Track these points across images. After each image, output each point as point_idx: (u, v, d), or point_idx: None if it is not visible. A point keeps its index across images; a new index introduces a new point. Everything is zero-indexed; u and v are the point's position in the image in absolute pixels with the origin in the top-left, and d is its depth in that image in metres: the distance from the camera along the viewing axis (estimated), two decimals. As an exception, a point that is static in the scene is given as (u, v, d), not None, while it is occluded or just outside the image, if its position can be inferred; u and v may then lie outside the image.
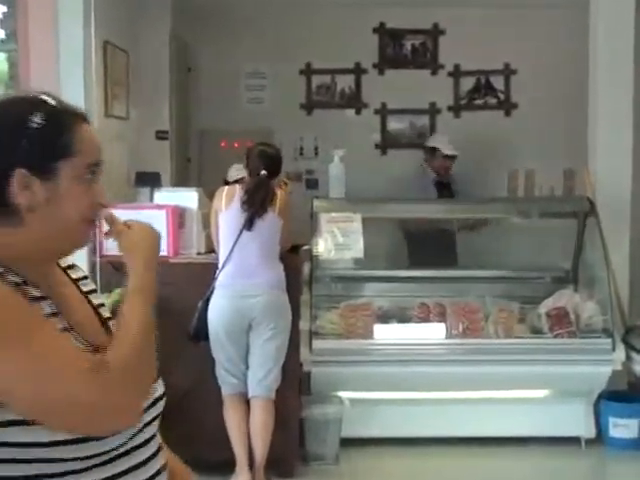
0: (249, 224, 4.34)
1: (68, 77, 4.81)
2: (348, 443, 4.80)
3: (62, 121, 1.48)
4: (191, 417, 4.28)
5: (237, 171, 5.11)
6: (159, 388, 1.58)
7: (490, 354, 4.89)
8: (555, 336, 4.95)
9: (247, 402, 4.34)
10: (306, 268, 4.95)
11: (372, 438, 4.89)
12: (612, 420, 4.99)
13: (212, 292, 4.31)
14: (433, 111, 7.11)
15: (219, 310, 4.27)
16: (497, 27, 6.84)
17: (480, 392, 5.03)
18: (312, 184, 6.84)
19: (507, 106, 7.12)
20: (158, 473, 1.53)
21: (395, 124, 7.12)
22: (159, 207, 4.59)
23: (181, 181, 6.42)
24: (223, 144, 6.84)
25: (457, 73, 7.10)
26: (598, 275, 5.24)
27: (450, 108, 7.13)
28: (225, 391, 4.31)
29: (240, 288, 4.29)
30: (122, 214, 1.64)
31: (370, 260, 5.19)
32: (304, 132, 6.97)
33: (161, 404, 1.57)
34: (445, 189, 6.18)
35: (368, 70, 7.07)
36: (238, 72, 6.88)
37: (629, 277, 5.51)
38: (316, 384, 4.81)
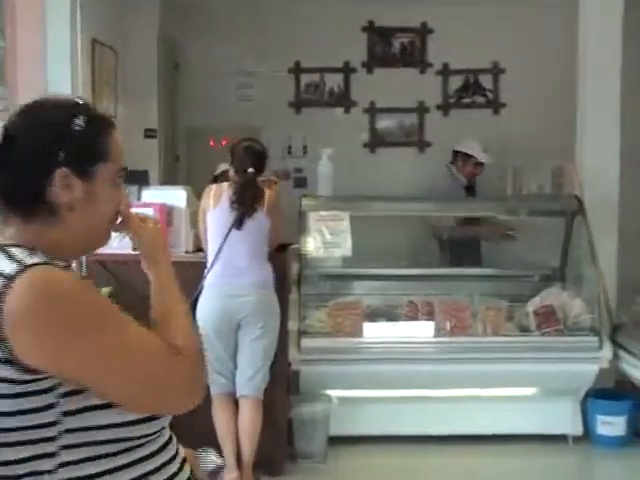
0: (239, 224, 4.34)
1: (55, 75, 4.79)
2: (337, 441, 4.81)
3: (100, 126, 1.57)
4: (179, 416, 4.27)
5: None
6: None
7: (478, 352, 4.91)
8: (543, 334, 4.97)
9: (235, 401, 4.35)
10: (295, 267, 4.95)
11: (361, 436, 4.90)
12: (599, 418, 5.02)
13: (200, 292, 4.30)
14: (422, 110, 7.11)
15: (208, 310, 4.26)
16: (486, 26, 6.85)
17: (468, 390, 5.04)
18: (301, 183, 6.84)
19: (495, 105, 7.13)
20: (177, 450, 1.64)
21: (384, 123, 7.12)
22: (147, 205, 4.58)
23: (169, 179, 6.42)
24: (212, 142, 6.84)
25: (446, 72, 7.11)
26: (586, 273, 5.26)
27: (439, 107, 7.14)
28: (214, 390, 4.31)
29: (228, 288, 4.28)
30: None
31: (359, 258, 5.19)
32: (293, 131, 6.97)
33: None
34: (470, 192, 6.21)
35: (357, 69, 7.08)
36: (227, 70, 6.87)
37: (616, 275, 5.54)
38: (305, 383, 4.82)
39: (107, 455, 1.46)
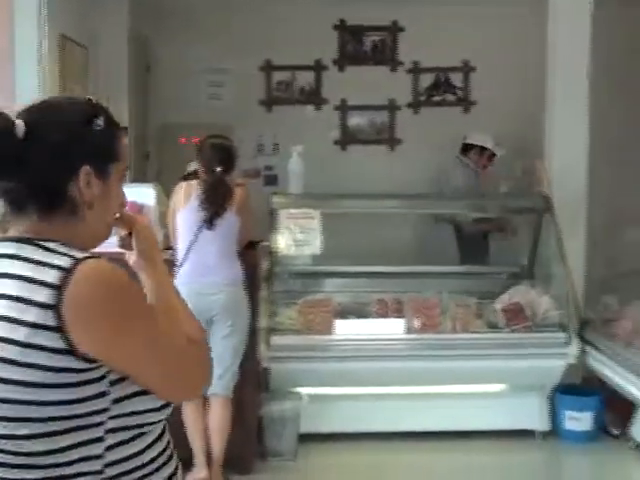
0: (209, 223, 4.33)
1: (23, 73, 4.76)
2: (307, 439, 4.82)
3: (115, 126, 1.64)
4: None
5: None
6: None
7: (447, 349, 4.94)
8: (511, 331, 5.01)
9: (205, 400, 4.35)
10: (265, 264, 4.96)
11: (331, 434, 4.91)
12: (567, 413, 5.07)
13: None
14: (392, 107, 7.14)
15: (177, 308, 4.24)
16: (456, 24, 6.88)
17: (437, 387, 5.08)
18: (271, 180, 6.85)
19: (466, 103, 7.17)
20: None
21: (355, 120, 7.14)
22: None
23: (139, 177, 6.39)
24: (182, 140, 6.82)
25: (416, 70, 7.14)
26: (554, 271, 5.31)
27: (409, 105, 7.17)
28: (183, 388, 4.29)
29: (198, 286, 4.27)
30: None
31: (329, 256, 5.21)
32: (264, 128, 6.97)
33: None
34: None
35: (328, 67, 7.09)
36: (198, 68, 6.86)
37: (584, 272, 5.60)
38: (275, 380, 4.83)
39: (134, 438, 1.54)
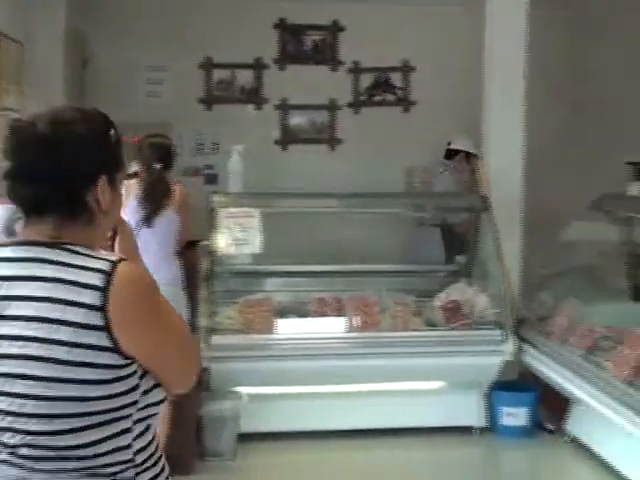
0: (148, 221, 4.30)
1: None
2: (247, 438, 4.81)
3: (119, 137, 1.74)
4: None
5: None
6: None
7: (387, 347, 4.98)
8: (449, 329, 5.07)
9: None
10: (204, 264, 4.93)
11: (271, 433, 4.91)
12: (503, 409, 5.15)
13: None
14: (333, 107, 7.16)
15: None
16: (396, 24, 6.92)
17: (377, 385, 5.11)
18: (211, 179, 6.81)
19: (406, 103, 7.23)
20: None
21: (295, 120, 7.14)
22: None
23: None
24: (121, 138, 6.72)
25: (357, 70, 7.17)
26: (491, 269, 5.39)
27: (350, 104, 7.20)
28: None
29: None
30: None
31: (269, 255, 5.20)
32: (204, 127, 6.93)
33: None
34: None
35: (269, 65, 7.08)
36: (136, 65, 6.79)
37: (520, 271, 5.69)
38: (215, 380, 4.80)
39: (147, 428, 1.66)
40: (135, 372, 1.58)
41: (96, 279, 1.54)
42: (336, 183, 6.15)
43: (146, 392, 1.62)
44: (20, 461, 1.55)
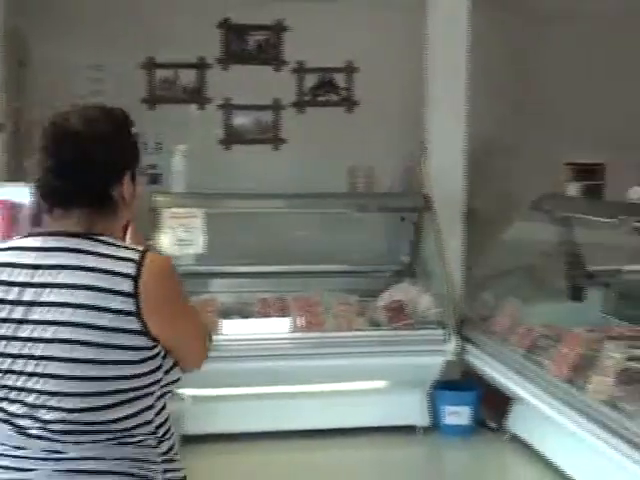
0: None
1: None
2: (192, 440, 4.77)
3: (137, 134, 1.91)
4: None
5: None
6: None
7: (331, 347, 4.99)
8: (393, 328, 5.10)
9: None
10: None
11: (216, 434, 4.89)
12: (446, 408, 5.20)
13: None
14: (277, 107, 7.13)
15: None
16: (341, 25, 6.92)
17: (321, 385, 5.12)
18: (154, 179, 6.72)
19: (349, 103, 7.23)
20: None
21: (239, 120, 7.10)
22: (-10, 201, 4.41)
23: (15, 176, 6.18)
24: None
25: (301, 70, 7.15)
26: (434, 269, 5.44)
27: (294, 104, 7.18)
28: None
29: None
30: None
31: (213, 256, 5.18)
32: (146, 127, 6.82)
33: None
34: None
35: (212, 65, 7.02)
36: (77, 64, 6.67)
37: (463, 270, 5.75)
38: (157, 382, 4.75)
39: (165, 406, 1.84)
40: (159, 353, 1.76)
41: (129, 268, 1.69)
42: (280, 183, 6.14)
43: (167, 372, 1.80)
44: (52, 435, 1.68)
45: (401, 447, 5.08)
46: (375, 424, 5.13)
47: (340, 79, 7.23)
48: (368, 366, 5.00)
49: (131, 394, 1.72)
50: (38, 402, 1.68)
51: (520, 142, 6.93)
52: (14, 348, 1.70)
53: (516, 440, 5.01)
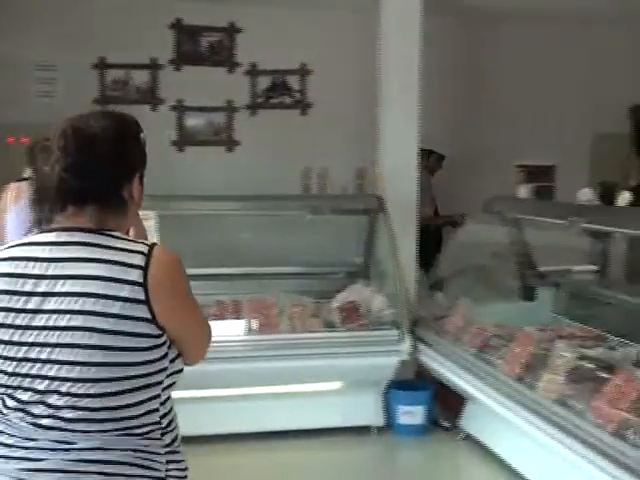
0: (39, 224, 4.18)
1: None
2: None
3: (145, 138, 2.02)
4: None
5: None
6: None
7: (286, 349, 4.98)
8: (347, 329, 5.12)
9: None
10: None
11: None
12: (400, 408, 5.23)
13: None
14: (230, 109, 7.13)
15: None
16: (294, 27, 6.94)
17: (276, 387, 5.11)
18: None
19: (303, 106, 7.25)
20: None
21: (192, 121, 7.08)
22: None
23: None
24: (10, 140, 6.53)
25: (254, 72, 7.15)
26: (388, 270, 5.46)
27: (247, 106, 7.18)
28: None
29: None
30: None
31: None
32: (98, 128, 6.78)
33: None
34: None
35: (164, 66, 6.99)
36: (27, 64, 6.59)
37: (416, 271, 5.79)
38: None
39: (170, 397, 1.93)
40: (165, 342, 1.85)
41: (138, 260, 1.80)
42: (234, 185, 6.13)
43: (172, 361, 1.88)
44: (62, 424, 1.76)
45: (355, 447, 5.10)
46: (330, 425, 5.13)
47: (294, 81, 7.25)
48: (323, 367, 5.00)
49: (139, 381, 1.81)
50: (50, 388, 1.77)
51: (473, 143, 7.02)
52: (29, 337, 1.79)
53: (470, 439, 5.06)
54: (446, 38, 6.91)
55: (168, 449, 1.90)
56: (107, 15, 6.62)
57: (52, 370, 1.77)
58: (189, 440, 4.84)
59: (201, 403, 4.95)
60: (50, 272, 1.81)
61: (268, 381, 5.04)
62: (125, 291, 1.78)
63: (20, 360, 1.79)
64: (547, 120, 7.18)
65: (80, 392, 1.76)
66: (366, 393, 5.21)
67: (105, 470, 1.77)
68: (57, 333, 1.77)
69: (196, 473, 4.69)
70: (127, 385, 1.79)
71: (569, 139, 7.24)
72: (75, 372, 1.76)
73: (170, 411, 1.93)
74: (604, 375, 3.80)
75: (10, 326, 1.80)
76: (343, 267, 5.85)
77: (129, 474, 1.81)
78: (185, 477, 1.99)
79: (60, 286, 1.79)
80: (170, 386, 1.91)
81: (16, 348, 1.79)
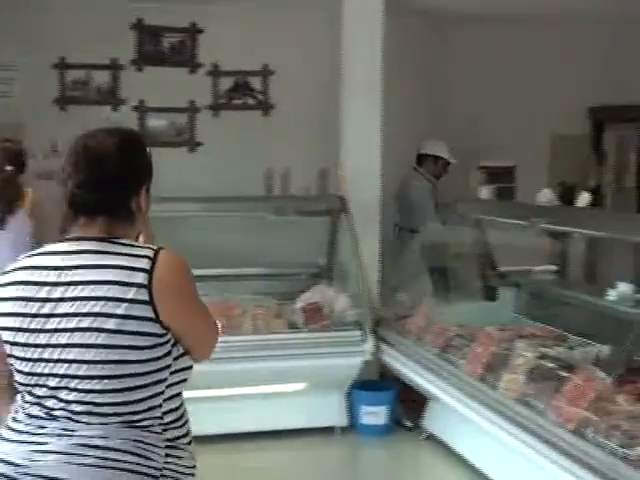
0: (0, 222, 4.21)
1: None
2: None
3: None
4: None
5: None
6: None
7: (249, 350, 4.98)
8: (310, 330, 5.13)
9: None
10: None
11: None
12: (363, 408, 5.25)
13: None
14: (192, 109, 7.09)
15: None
16: (256, 28, 6.91)
17: (240, 388, 5.10)
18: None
19: (265, 106, 7.24)
20: None
21: (154, 122, 7.03)
22: None
23: None
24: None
25: (216, 72, 7.12)
26: (351, 270, 5.48)
27: (210, 107, 7.15)
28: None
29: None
30: None
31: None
32: (58, 128, 6.70)
33: None
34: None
35: (125, 66, 6.94)
36: (-16, 63, 6.50)
37: (379, 271, 5.81)
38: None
39: (177, 394, 2.05)
40: (169, 341, 1.96)
41: (144, 264, 1.93)
42: (196, 186, 6.08)
43: (176, 358, 1.99)
44: (72, 415, 1.92)
45: (319, 448, 5.11)
46: (294, 426, 5.14)
47: (256, 82, 7.23)
48: (286, 368, 5.00)
49: (142, 379, 1.94)
50: (61, 384, 1.93)
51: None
52: (43, 339, 1.95)
53: (432, 439, 5.09)
54: (409, 38, 6.93)
55: (169, 444, 2.01)
56: (67, 15, 6.55)
57: (62, 368, 1.93)
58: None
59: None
60: (62, 279, 1.96)
61: (231, 383, 5.03)
62: (131, 293, 1.91)
63: (35, 360, 1.96)
64: (507, 121, 7.24)
65: (86, 388, 1.92)
66: (329, 394, 5.22)
67: (102, 455, 1.90)
68: (67, 334, 1.92)
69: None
70: (131, 382, 1.93)
71: (529, 140, 7.30)
72: (82, 370, 1.92)
73: (176, 409, 2.04)
74: (564, 374, 3.85)
75: (26, 330, 1.97)
76: (306, 268, 5.86)
77: (125, 460, 1.92)
78: (185, 475, 2.08)
79: (71, 292, 1.94)
80: (178, 384, 2.03)
81: (32, 350, 1.96)
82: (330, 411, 5.24)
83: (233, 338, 4.96)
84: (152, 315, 1.92)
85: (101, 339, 1.90)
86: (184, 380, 2.07)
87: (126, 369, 1.92)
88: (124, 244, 2.00)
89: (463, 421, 4.49)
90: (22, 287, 2.01)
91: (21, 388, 2.02)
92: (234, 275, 5.62)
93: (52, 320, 1.94)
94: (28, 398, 2.00)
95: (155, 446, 1.97)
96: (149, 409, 1.96)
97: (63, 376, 1.93)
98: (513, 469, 4.13)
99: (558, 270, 5.64)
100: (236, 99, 7.21)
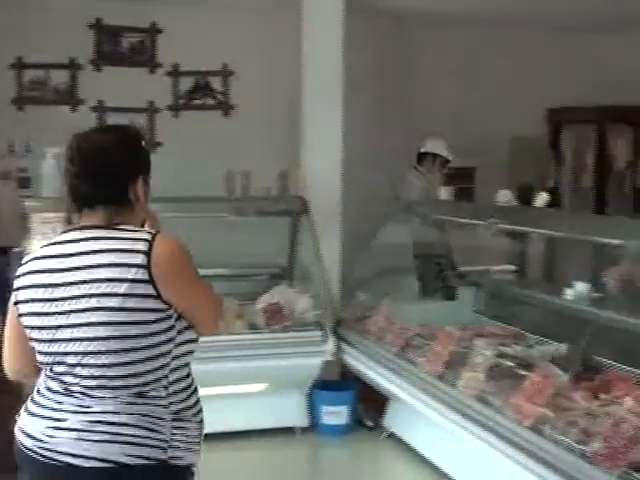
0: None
1: None
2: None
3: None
4: None
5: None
6: None
7: (210, 351, 4.92)
8: (271, 331, 5.12)
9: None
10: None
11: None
12: (324, 408, 5.26)
13: None
14: (152, 110, 7.06)
15: None
16: (216, 28, 6.90)
17: (201, 389, 5.06)
18: (25, 183, 6.53)
19: (225, 107, 7.23)
20: None
21: (113, 122, 6.97)
22: None
23: None
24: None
25: (176, 73, 7.10)
26: (312, 271, 5.49)
27: (169, 107, 7.12)
28: None
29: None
30: None
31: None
32: (15, 129, 6.63)
33: None
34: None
35: (84, 66, 6.88)
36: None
37: (340, 272, 5.83)
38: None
39: (184, 365, 2.21)
40: (172, 315, 2.13)
41: (142, 246, 2.10)
42: (156, 186, 6.04)
43: (180, 332, 2.16)
44: (85, 391, 2.11)
45: (280, 448, 5.11)
46: (255, 427, 5.13)
47: (216, 82, 7.21)
48: (247, 369, 5.00)
49: (148, 352, 2.10)
50: (75, 361, 2.12)
51: (393, 144, 7.09)
52: (56, 320, 2.13)
53: (393, 437, 5.12)
54: (370, 39, 6.97)
55: (175, 416, 2.16)
56: (25, 14, 6.49)
57: (74, 346, 2.11)
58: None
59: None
60: (69, 265, 2.14)
61: (192, 384, 5.00)
62: (131, 273, 2.08)
63: (51, 341, 2.15)
64: (468, 123, 7.30)
65: (97, 363, 2.09)
66: (290, 394, 5.22)
67: (113, 430, 2.08)
68: (76, 315, 2.10)
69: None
70: (136, 356, 2.09)
71: (487, 141, 7.37)
72: (92, 346, 2.09)
73: (183, 379, 2.20)
74: (522, 372, 3.89)
75: (42, 314, 2.15)
76: (267, 269, 5.86)
77: (134, 434, 2.09)
78: (192, 444, 2.24)
79: (78, 275, 2.12)
80: (184, 355, 2.19)
81: (47, 331, 2.15)
82: (291, 411, 5.25)
83: (193, 339, 4.95)
84: (153, 292, 2.08)
85: (106, 317, 2.07)
86: (190, 352, 2.22)
87: (132, 343, 2.08)
88: (123, 229, 2.16)
89: (423, 419, 4.52)
90: (36, 275, 2.18)
91: (43, 367, 2.21)
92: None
93: (63, 303, 2.12)
94: (49, 373, 2.19)
95: (161, 419, 2.13)
96: (156, 380, 2.12)
97: (76, 354, 2.11)
98: (472, 466, 4.17)
99: (517, 270, 5.70)
100: (196, 99, 7.20)
